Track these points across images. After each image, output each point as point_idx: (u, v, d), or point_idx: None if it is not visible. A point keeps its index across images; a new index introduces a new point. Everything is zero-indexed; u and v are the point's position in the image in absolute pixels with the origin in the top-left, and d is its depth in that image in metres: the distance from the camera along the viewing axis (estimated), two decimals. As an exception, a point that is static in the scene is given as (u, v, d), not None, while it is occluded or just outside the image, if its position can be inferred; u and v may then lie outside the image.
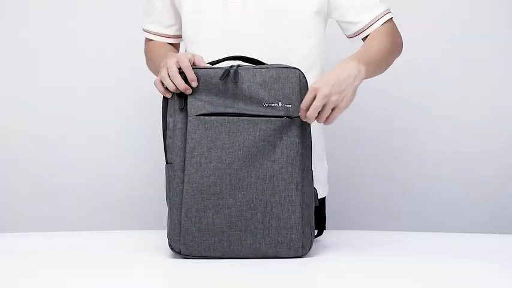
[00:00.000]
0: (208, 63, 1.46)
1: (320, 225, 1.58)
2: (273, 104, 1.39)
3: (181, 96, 1.40)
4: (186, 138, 1.38)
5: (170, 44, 1.77)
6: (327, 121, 1.41)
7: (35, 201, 2.44)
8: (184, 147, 1.39)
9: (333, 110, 1.40)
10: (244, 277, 1.29)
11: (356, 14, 1.62)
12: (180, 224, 1.37)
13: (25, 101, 2.44)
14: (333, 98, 1.39)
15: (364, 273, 1.31)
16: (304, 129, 1.41)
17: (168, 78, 1.39)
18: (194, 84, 1.39)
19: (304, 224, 1.39)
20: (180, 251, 1.38)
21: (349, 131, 2.47)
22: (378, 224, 2.45)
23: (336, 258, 1.42)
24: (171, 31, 1.76)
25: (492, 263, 1.39)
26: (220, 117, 1.38)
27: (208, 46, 1.60)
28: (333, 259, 1.41)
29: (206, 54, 1.50)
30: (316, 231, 1.54)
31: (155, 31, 1.77)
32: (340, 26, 1.66)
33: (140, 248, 1.48)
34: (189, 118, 1.39)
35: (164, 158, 1.44)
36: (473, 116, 2.45)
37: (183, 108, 1.40)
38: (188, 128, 1.38)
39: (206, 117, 1.38)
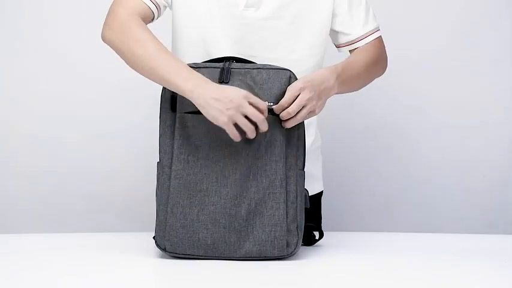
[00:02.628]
0: (203, 62, 1.46)
1: (317, 224, 1.58)
2: None
3: (171, 94, 1.40)
4: (174, 135, 1.40)
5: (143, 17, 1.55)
6: (290, 122, 1.40)
7: (35, 201, 2.44)
8: (172, 144, 1.40)
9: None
10: (239, 279, 1.29)
11: (348, 26, 1.65)
12: (166, 220, 1.38)
13: (25, 101, 2.44)
14: (313, 102, 1.42)
15: (364, 275, 1.31)
16: (293, 129, 1.41)
17: (245, 121, 1.35)
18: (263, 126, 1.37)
19: (289, 222, 1.39)
20: (165, 247, 1.39)
21: (349, 130, 2.47)
22: (377, 225, 2.45)
23: (335, 260, 1.42)
24: None
25: (492, 263, 1.39)
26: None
27: (214, 49, 1.58)
28: (332, 261, 1.41)
29: (208, 55, 1.53)
30: (317, 234, 1.54)
31: None
32: (330, 34, 1.68)
33: (140, 249, 1.48)
34: (177, 115, 1.40)
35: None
36: (473, 116, 2.45)
37: (173, 106, 1.41)
38: (176, 125, 1.40)
39: (194, 115, 1.39)
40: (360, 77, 1.60)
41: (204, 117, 1.38)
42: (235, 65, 1.43)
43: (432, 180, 2.46)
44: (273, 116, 1.40)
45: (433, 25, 2.44)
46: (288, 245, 1.39)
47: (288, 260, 1.39)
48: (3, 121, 2.44)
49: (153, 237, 1.43)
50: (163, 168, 1.41)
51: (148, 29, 1.50)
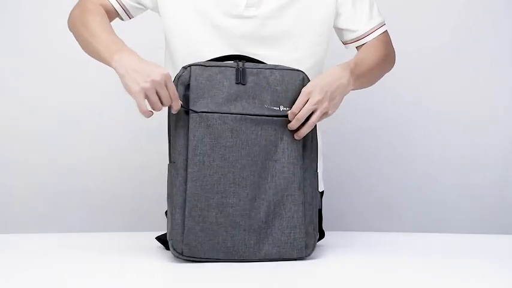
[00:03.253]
0: (208, 60, 1.44)
1: (318, 224, 1.59)
2: (275, 108, 1.40)
3: (183, 93, 1.38)
4: (188, 136, 1.37)
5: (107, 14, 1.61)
6: (302, 131, 1.41)
7: (35, 201, 2.44)
8: (187, 145, 1.37)
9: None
10: (239, 279, 1.29)
11: (354, 23, 1.64)
12: (184, 223, 1.35)
13: (25, 101, 2.43)
14: (324, 104, 1.42)
15: (364, 275, 1.31)
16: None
17: (155, 93, 1.36)
18: (176, 107, 1.36)
19: (307, 223, 1.40)
20: (182, 251, 1.36)
21: (350, 129, 2.46)
22: (378, 225, 2.45)
23: (336, 260, 1.42)
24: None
25: (492, 263, 1.39)
26: (223, 114, 1.37)
27: (211, 50, 1.57)
28: (332, 261, 1.41)
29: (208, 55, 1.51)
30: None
31: None
32: (337, 32, 1.69)
33: (140, 249, 1.48)
34: (190, 115, 1.37)
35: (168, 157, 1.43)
36: (473, 115, 2.45)
37: (186, 106, 1.38)
38: (190, 125, 1.36)
39: (208, 114, 1.37)
40: (372, 72, 1.60)
41: (219, 117, 1.36)
42: (247, 64, 1.42)
43: (432, 180, 2.46)
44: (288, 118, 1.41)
45: (435, 23, 2.43)
46: (306, 246, 1.39)
47: (288, 259, 1.39)
48: (3, 120, 2.44)
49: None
50: (178, 171, 1.37)
51: (101, 14, 1.56)
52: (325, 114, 1.43)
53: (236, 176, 1.36)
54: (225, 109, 1.37)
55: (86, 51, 1.56)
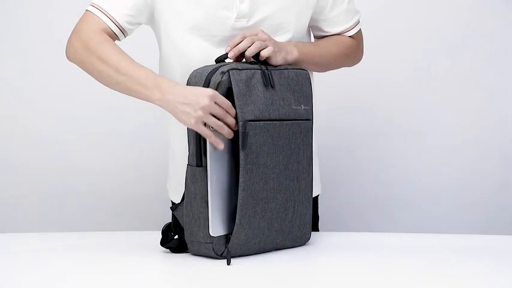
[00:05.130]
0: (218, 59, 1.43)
1: (314, 224, 1.60)
2: (298, 107, 1.43)
3: (228, 98, 1.35)
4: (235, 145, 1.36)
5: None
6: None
7: (35, 201, 2.44)
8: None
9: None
10: (239, 278, 1.29)
11: (327, 25, 1.63)
12: (232, 230, 1.36)
13: (25, 101, 2.44)
14: (271, 41, 1.43)
15: (363, 275, 1.31)
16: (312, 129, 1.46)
17: (216, 121, 1.32)
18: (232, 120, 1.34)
19: (310, 217, 1.47)
20: (222, 254, 1.36)
21: (347, 130, 2.47)
22: (377, 225, 2.45)
23: (335, 260, 1.42)
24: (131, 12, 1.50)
25: (492, 263, 1.39)
26: (266, 122, 1.37)
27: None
28: (331, 261, 1.42)
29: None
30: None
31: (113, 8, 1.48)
32: (310, 26, 1.66)
33: (141, 248, 1.48)
34: (240, 123, 1.34)
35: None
36: (472, 116, 2.45)
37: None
38: (239, 134, 1.34)
39: (256, 122, 1.36)
40: (322, 59, 1.59)
41: (264, 124, 1.37)
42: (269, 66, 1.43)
43: (432, 180, 2.46)
44: (308, 120, 1.44)
45: (435, 25, 2.44)
46: (309, 237, 1.48)
47: (287, 259, 1.40)
48: (3, 120, 2.44)
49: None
50: None
51: (110, 42, 1.48)
52: (267, 50, 1.42)
53: (275, 181, 1.39)
54: (266, 115, 1.37)
55: (111, 88, 1.47)
